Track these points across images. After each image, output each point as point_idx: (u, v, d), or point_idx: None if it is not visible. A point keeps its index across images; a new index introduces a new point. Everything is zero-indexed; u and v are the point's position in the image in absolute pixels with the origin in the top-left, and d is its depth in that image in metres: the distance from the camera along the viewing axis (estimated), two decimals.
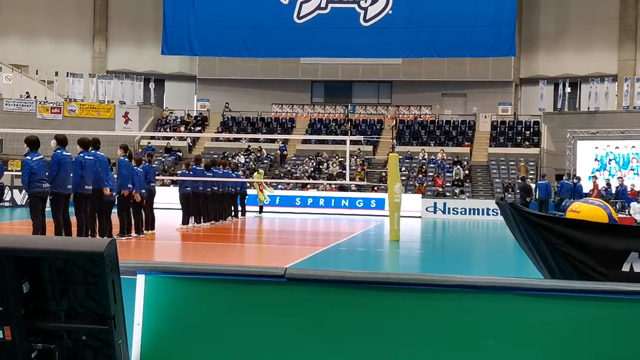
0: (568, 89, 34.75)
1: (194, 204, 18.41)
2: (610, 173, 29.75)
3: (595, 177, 28.82)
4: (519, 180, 28.20)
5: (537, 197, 26.56)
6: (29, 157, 11.45)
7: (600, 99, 33.84)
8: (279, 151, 35.23)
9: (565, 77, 35.40)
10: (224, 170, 20.97)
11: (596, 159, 30.49)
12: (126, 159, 14.50)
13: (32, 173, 11.31)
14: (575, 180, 27.39)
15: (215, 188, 19.61)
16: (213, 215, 19.62)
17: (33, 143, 11.64)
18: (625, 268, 4.15)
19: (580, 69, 36.19)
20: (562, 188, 26.86)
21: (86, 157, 12.65)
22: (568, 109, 35.24)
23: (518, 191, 27.07)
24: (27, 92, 36.15)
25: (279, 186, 30.69)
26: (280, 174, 32.93)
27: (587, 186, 28.15)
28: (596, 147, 30.60)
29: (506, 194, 30.21)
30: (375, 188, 30.97)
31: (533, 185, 27.89)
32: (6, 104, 35.23)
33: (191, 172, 18.74)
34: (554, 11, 37.95)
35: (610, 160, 30.38)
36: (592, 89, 34.06)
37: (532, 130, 35.99)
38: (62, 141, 12.13)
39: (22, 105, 35.58)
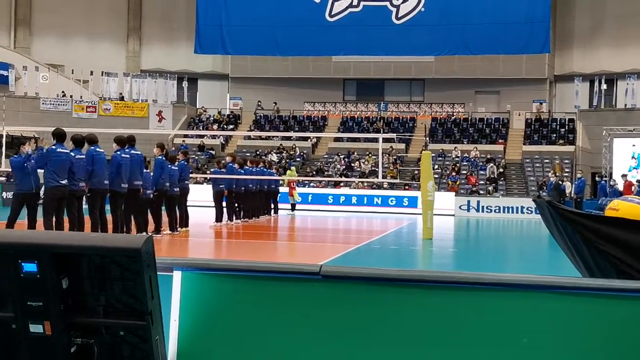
0: (604, 86, 34.19)
1: (228, 202, 18.50)
2: None
3: (624, 176, 28.25)
4: (552, 178, 27.86)
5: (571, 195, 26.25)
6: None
7: (637, 95, 33.24)
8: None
9: (600, 74, 34.84)
10: (258, 168, 21.02)
11: (633, 157, 29.96)
12: (163, 158, 14.57)
13: (71, 171, 11.44)
14: (598, 179, 26.98)
15: (250, 186, 19.68)
16: (247, 213, 19.69)
17: (78, 141, 11.90)
18: None
19: (616, 65, 35.61)
20: (577, 187, 26.68)
21: (122, 155, 12.69)
22: (604, 106, 34.69)
23: (551, 191, 26.72)
24: (62, 92, 36.66)
25: (311, 184, 30.70)
26: (311, 172, 32.95)
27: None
28: (633, 145, 30.06)
29: (541, 192, 29.87)
30: (408, 186, 30.84)
31: (567, 184, 27.54)
32: (43, 103, 35.78)
33: (224, 170, 18.82)
34: (589, 6, 37.40)
35: None
36: (629, 86, 33.47)
37: (567, 128, 35.52)
38: (92, 141, 12.26)
39: (59, 105, 36.11)
